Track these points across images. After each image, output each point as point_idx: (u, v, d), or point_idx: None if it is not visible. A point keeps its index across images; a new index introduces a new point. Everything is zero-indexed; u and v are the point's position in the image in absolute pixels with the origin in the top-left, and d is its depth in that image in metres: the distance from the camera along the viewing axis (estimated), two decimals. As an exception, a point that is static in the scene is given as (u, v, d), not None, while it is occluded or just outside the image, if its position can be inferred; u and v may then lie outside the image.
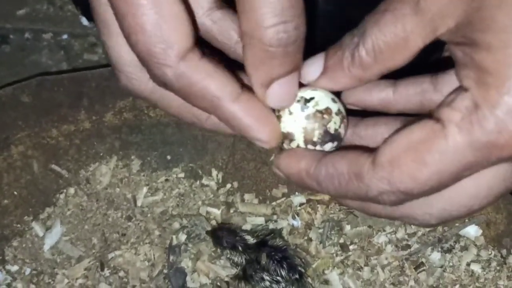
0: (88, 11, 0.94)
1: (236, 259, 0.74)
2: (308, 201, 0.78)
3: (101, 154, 0.80)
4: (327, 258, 0.75)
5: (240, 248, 0.74)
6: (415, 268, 0.73)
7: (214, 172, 0.80)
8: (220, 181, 0.80)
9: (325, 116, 0.48)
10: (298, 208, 0.78)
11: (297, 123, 0.48)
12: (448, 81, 0.47)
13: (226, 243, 0.74)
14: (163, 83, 0.45)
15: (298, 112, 0.48)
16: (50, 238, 0.77)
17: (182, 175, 0.80)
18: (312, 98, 0.48)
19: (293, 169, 0.48)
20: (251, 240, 0.74)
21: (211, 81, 0.44)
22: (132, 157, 0.80)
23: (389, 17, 0.42)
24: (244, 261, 0.73)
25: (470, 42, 0.41)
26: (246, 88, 0.46)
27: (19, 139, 0.78)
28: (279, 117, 0.49)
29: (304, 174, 0.47)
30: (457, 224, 0.75)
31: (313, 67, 0.46)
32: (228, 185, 0.80)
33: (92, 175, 0.80)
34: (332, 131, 0.48)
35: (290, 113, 0.48)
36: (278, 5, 0.42)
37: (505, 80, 0.40)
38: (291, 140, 0.49)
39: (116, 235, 0.77)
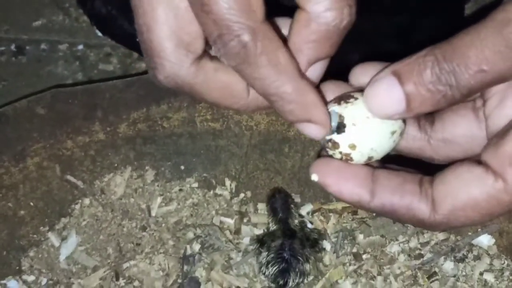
0: (101, 24, 0.95)
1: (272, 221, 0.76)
2: (319, 209, 0.78)
3: (116, 164, 0.81)
4: (340, 267, 0.75)
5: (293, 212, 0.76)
6: (428, 278, 0.73)
7: (228, 182, 0.81)
8: (234, 190, 0.80)
9: None
10: (310, 217, 0.78)
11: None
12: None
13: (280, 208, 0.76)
14: (241, 48, 0.44)
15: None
16: (66, 248, 0.77)
17: (195, 185, 0.81)
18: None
19: (344, 195, 0.48)
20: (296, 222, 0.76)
21: (284, 49, 0.45)
22: (146, 167, 0.81)
23: (482, 77, 0.42)
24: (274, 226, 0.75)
25: None
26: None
27: (34, 150, 0.78)
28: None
29: (357, 204, 0.48)
30: (470, 233, 0.75)
31: (393, 102, 0.45)
32: (242, 195, 0.80)
33: (107, 186, 0.80)
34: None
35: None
36: None
37: None
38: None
39: (131, 245, 0.78)
